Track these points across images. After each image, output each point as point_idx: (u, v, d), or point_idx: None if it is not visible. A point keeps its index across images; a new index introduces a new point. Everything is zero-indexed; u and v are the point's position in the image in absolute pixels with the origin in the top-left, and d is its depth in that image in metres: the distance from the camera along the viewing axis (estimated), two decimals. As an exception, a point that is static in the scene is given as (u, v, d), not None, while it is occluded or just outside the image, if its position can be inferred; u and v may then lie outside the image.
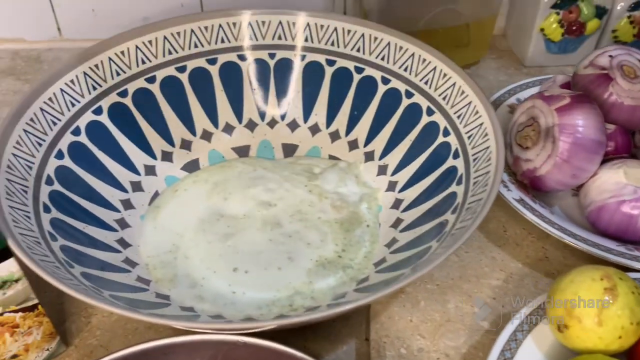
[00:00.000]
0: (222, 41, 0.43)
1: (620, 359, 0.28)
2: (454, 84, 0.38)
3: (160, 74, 0.41)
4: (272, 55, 0.43)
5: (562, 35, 0.51)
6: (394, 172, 0.40)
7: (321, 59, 0.43)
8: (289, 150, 0.44)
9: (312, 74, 0.43)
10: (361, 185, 0.41)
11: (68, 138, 0.37)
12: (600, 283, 0.28)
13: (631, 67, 0.39)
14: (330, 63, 0.43)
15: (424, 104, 0.39)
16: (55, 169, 0.35)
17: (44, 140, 0.35)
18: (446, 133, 0.38)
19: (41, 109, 0.36)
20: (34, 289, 0.29)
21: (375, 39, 0.42)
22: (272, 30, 0.43)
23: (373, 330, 0.33)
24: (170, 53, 0.41)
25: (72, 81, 0.38)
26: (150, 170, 0.40)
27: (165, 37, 0.41)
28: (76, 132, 0.37)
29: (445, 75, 0.39)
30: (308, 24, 0.42)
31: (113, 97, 0.39)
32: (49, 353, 0.32)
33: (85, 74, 0.38)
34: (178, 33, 0.41)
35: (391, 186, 0.40)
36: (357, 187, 0.41)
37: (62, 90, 0.37)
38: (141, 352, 0.28)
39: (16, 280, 0.28)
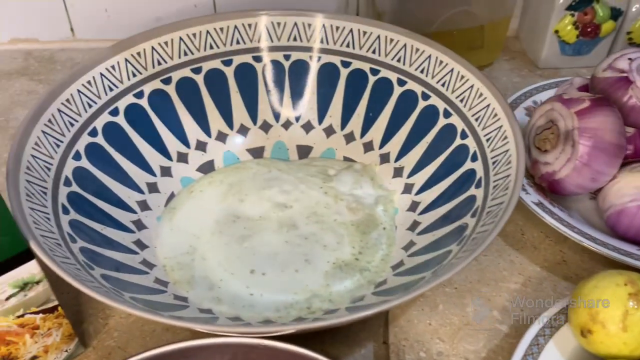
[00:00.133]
0: (238, 42, 0.42)
1: (643, 364, 0.28)
2: (471, 87, 0.38)
3: (176, 75, 0.41)
4: (287, 57, 0.43)
5: (577, 37, 0.51)
6: (410, 175, 0.40)
7: (336, 60, 0.43)
8: (304, 151, 0.44)
9: (327, 75, 0.43)
10: (377, 187, 0.41)
11: (85, 139, 0.37)
12: (624, 288, 0.27)
13: (650, 69, 0.39)
14: (346, 65, 0.43)
15: (441, 106, 0.39)
16: (73, 170, 0.35)
17: (61, 142, 0.35)
18: (464, 135, 0.38)
19: (59, 110, 0.36)
20: (54, 291, 0.29)
21: (391, 40, 0.41)
22: (287, 32, 0.43)
23: (392, 334, 0.33)
24: (185, 54, 0.41)
25: (88, 82, 0.38)
26: (166, 172, 0.40)
27: (180, 38, 0.41)
28: (93, 133, 0.37)
29: (462, 77, 0.38)
30: (324, 26, 0.42)
31: (129, 98, 0.39)
32: (67, 354, 0.32)
33: (102, 75, 0.38)
34: (194, 34, 0.41)
35: (407, 188, 0.40)
36: (372, 189, 0.41)
37: (79, 91, 0.37)
38: (161, 354, 0.28)
39: (37, 282, 0.28)
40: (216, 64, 0.42)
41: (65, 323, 0.31)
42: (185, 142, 0.41)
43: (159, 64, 0.41)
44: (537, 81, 0.48)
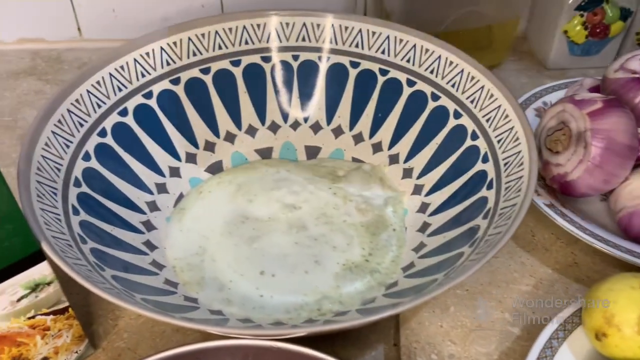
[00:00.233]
0: (246, 43, 0.42)
1: (658, 368, 0.28)
2: (482, 87, 0.38)
3: (185, 76, 0.41)
4: (295, 57, 0.43)
5: (586, 38, 0.51)
6: (420, 176, 0.40)
7: (345, 60, 0.43)
8: (312, 152, 0.44)
9: (336, 76, 0.43)
10: (386, 188, 0.41)
11: (94, 140, 0.37)
12: (639, 291, 0.27)
13: (662, 71, 0.38)
14: (354, 65, 0.43)
15: (451, 107, 0.39)
16: (82, 170, 0.35)
17: (71, 142, 0.35)
18: (474, 137, 0.37)
19: (68, 111, 0.36)
20: (65, 292, 0.29)
21: (401, 40, 0.41)
22: (296, 32, 0.43)
23: (403, 336, 0.33)
24: (194, 55, 0.41)
25: (98, 82, 0.38)
26: (174, 172, 0.40)
27: (189, 39, 0.41)
28: (102, 133, 0.37)
29: (473, 78, 0.38)
30: (333, 26, 0.42)
31: (138, 99, 0.39)
32: (77, 356, 0.32)
33: (111, 75, 0.38)
34: (202, 34, 0.41)
35: (417, 189, 0.39)
36: (381, 190, 0.40)
37: (88, 91, 0.37)
38: (172, 357, 0.28)
39: (48, 283, 0.28)
40: (225, 64, 0.42)
41: (75, 324, 0.31)
42: (194, 143, 0.41)
43: (168, 64, 0.40)
44: (545, 82, 0.48)
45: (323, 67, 0.43)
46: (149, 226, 0.37)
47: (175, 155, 0.40)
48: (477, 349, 0.32)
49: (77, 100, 0.36)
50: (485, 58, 0.52)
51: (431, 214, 0.37)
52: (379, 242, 0.37)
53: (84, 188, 0.35)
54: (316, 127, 0.44)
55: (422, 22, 0.47)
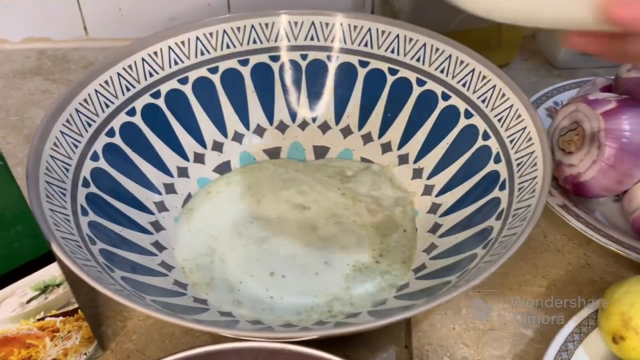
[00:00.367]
0: (255, 42, 0.42)
1: (675, 371, 0.27)
2: (493, 87, 0.37)
3: (193, 75, 0.41)
4: (304, 57, 0.43)
5: (596, 37, 0.50)
6: (430, 176, 0.39)
7: (354, 60, 0.42)
8: (320, 152, 0.43)
9: (345, 75, 0.42)
10: (395, 188, 0.40)
11: (103, 140, 0.36)
12: (657, 294, 0.27)
13: (675, 70, 0.38)
14: (363, 64, 0.42)
15: (462, 106, 0.39)
16: (91, 171, 0.35)
17: (79, 142, 0.35)
18: (486, 136, 0.37)
19: (77, 110, 0.35)
20: (74, 293, 0.29)
21: (410, 40, 0.41)
22: (304, 31, 0.42)
23: (415, 338, 0.33)
24: (202, 54, 0.41)
25: (106, 82, 0.37)
26: (182, 172, 0.40)
27: (197, 38, 0.41)
28: (110, 133, 0.37)
29: (484, 77, 0.38)
30: (342, 25, 0.42)
31: (146, 99, 0.39)
32: (86, 357, 0.32)
33: (118, 74, 0.38)
34: (210, 34, 0.41)
35: (427, 190, 0.39)
36: (391, 190, 0.40)
37: (96, 91, 0.37)
38: (184, 359, 0.28)
39: (58, 285, 0.28)
40: (233, 63, 0.42)
41: (84, 326, 0.30)
42: (202, 143, 0.41)
43: (176, 63, 0.40)
44: (555, 81, 0.47)
45: (332, 66, 0.43)
46: (158, 227, 0.37)
47: (184, 155, 0.40)
48: (490, 351, 0.32)
49: (85, 100, 0.36)
50: (494, 57, 0.51)
51: (442, 215, 0.37)
52: (390, 243, 0.37)
53: (93, 188, 0.34)
54: (325, 127, 0.43)
55: (431, 20, 0.47)
